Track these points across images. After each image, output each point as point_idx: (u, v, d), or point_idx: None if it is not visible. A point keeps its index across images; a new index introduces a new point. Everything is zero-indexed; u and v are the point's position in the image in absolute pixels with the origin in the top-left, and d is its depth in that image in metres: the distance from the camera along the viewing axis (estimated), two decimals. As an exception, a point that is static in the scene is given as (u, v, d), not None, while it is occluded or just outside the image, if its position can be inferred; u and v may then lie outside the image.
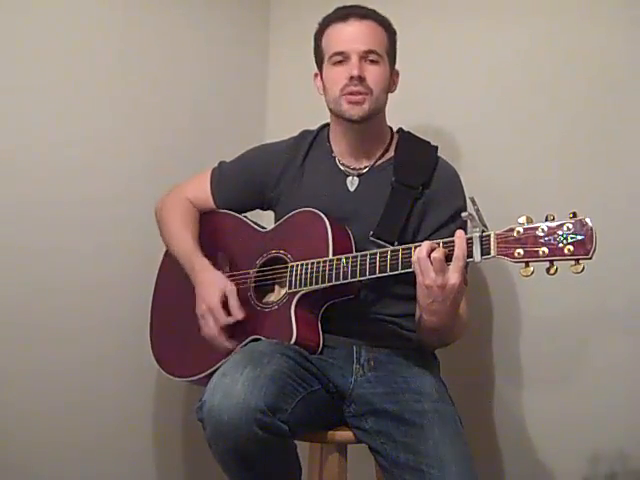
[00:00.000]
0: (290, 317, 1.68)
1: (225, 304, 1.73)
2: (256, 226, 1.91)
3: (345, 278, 1.64)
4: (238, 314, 1.72)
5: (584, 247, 1.38)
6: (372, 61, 1.75)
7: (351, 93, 1.74)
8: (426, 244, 1.52)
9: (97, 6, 2.10)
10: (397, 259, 1.58)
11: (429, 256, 1.50)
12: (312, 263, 1.69)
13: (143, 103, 2.20)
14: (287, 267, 1.74)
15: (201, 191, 1.96)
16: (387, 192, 1.77)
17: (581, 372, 1.93)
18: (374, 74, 1.75)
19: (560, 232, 1.40)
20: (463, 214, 1.49)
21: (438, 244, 1.52)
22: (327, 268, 1.66)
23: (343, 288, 1.68)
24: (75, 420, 2.03)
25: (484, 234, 1.48)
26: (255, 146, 1.99)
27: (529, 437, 2.00)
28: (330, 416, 1.69)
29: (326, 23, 1.80)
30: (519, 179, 2.04)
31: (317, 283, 1.67)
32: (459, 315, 1.63)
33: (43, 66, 1.98)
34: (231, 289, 1.74)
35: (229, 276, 1.81)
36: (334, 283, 1.65)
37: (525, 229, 1.44)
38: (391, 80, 1.81)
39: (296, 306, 1.69)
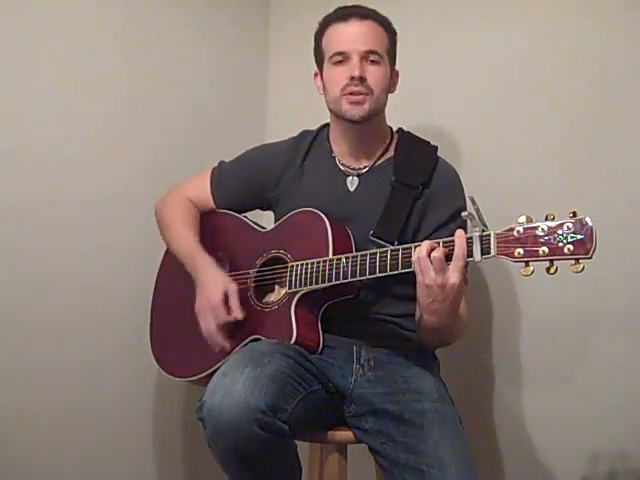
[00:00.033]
0: (290, 317, 1.68)
1: (226, 302, 1.73)
2: (256, 226, 1.91)
3: (345, 278, 1.64)
4: (238, 313, 1.72)
5: (584, 246, 1.38)
6: (373, 61, 1.75)
7: (352, 93, 1.74)
8: (426, 243, 1.52)
9: (97, 6, 2.10)
10: (397, 259, 1.58)
11: (429, 255, 1.50)
12: (312, 263, 1.69)
13: (143, 103, 2.20)
14: (287, 267, 1.74)
15: (201, 191, 1.95)
16: (387, 192, 1.77)
17: (581, 372, 1.93)
18: (375, 74, 1.75)
19: (560, 231, 1.40)
20: (463, 213, 1.49)
21: (438, 243, 1.52)
22: (327, 268, 1.66)
23: (343, 288, 1.68)
24: (75, 420, 2.03)
25: (484, 233, 1.48)
26: (255, 146, 1.99)
27: (529, 437, 2.00)
28: (330, 416, 1.69)
29: (327, 23, 1.80)
30: (519, 179, 2.04)
31: (317, 283, 1.67)
32: (459, 315, 1.63)
33: (43, 66, 1.98)
34: (233, 288, 1.74)
35: (229, 276, 1.80)
36: (334, 283, 1.65)
37: (525, 228, 1.44)
38: (391, 80, 1.81)
39: (296, 306, 1.69)
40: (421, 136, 1.88)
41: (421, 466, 1.53)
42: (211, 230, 1.93)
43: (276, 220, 1.89)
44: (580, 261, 1.39)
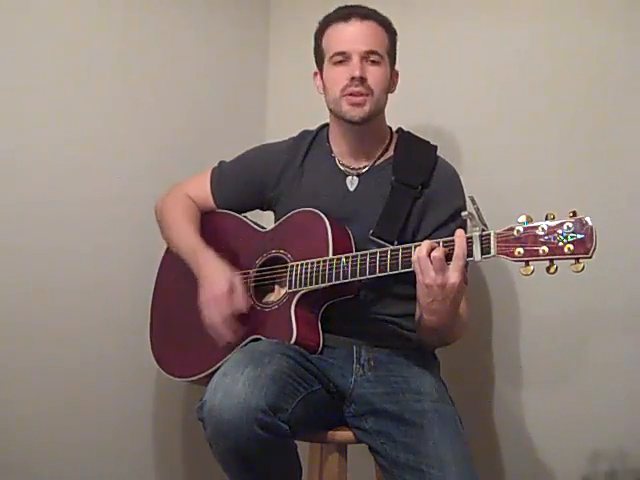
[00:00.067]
0: (290, 317, 1.68)
1: (230, 295, 1.70)
2: (256, 226, 1.91)
3: (345, 278, 1.64)
4: (243, 306, 1.70)
5: (584, 246, 1.38)
6: (373, 62, 1.75)
7: (352, 94, 1.74)
8: (426, 243, 1.52)
9: (97, 6, 2.10)
10: (397, 258, 1.58)
11: (429, 255, 1.50)
12: (312, 263, 1.69)
13: (143, 103, 2.20)
14: (287, 267, 1.74)
15: (201, 190, 1.95)
16: (387, 191, 1.77)
17: (581, 372, 1.94)
18: (375, 75, 1.75)
19: (560, 231, 1.40)
20: (463, 213, 1.49)
21: (438, 243, 1.52)
22: (327, 268, 1.66)
23: (343, 288, 1.68)
24: (75, 420, 2.03)
25: (484, 233, 1.48)
26: (255, 146, 1.99)
27: (529, 437, 2.00)
28: (330, 416, 1.69)
29: (327, 22, 1.80)
30: (519, 179, 2.04)
31: (317, 283, 1.67)
32: (459, 314, 1.63)
33: (43, 66, 1.98)
34: (237, 280, 1.72)
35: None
36: (334, 283, 1.65)
37: (525, 228, 1.44)
38: (391, 80, 1.81)
39: (296, 306, 1.69)
40: (421, 136, 1.88)
41: (421, 466, 1.53)
42: (211, 230, 1.93)
43: (276, 220, 1.89)
44: (580, 261, 1.39)
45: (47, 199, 1.98)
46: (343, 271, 1.64)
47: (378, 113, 1.79)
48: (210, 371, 1.71)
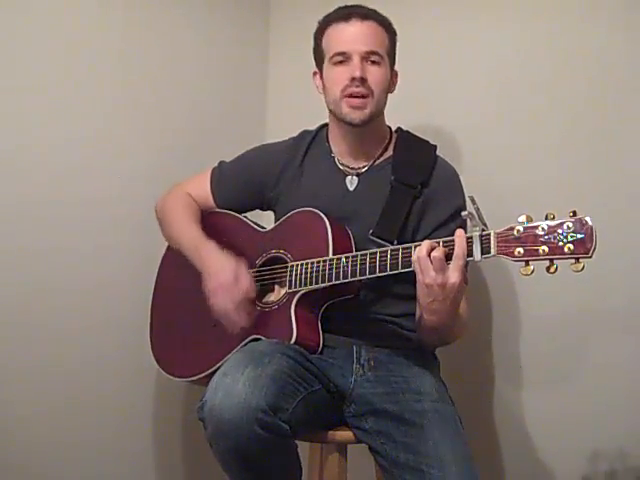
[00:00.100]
0: (290, 317, 1.68)
1: (237, 282, 1.69)
2: (256, 226, 1.91)
3: (345, 277, 1.64)
4: (252, 292, 1.70)
5: (584, 246, 1.38)
6: (373, 62, 1.75)
7: (352, 95, 1.74)
8: (426, 243, 1.52)
9: (97, 6, 2.10)
10: (397, 258, 1.58)
11: (429, 255, 1.50)
12: (312, 263, 1.69)
13: (143, 103, 2.20)
14: (287, 267, 1.74)
15: (201, 190, 1.95)
16: (386, 191, 1.77)
17: (581, 371, 1.94)
18: (375, 75, 1.75)
19: (560, 231, 1.40)
20: (463, 213, 1.49)
21: (438, 243, 1.52)
22: (327, 268, 1.66)
23: (343, 288, 1.68)
24: (75, 420, 2.03)
25: (484, 233, 1.48)
26: (255, 146, 1.99)
27: (529, 437, 2.00)
28: (330, 416, 1.69)
29: (327, 22, 1.80)
30: (519, 179, 2.04)
31: (317, 283, 1.67)
32: (459, 314, 1.63)
33: (43, 66, 1.98)
34: (243, 268, 1.71)
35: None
36: (334, 283, 1.65)
37: (525, 228, 1.44)
38: (391, 81, 1.81)
39: (296, 306, 1.69)
40: (421, 136, 1.88)
41: (421, 466, 1.53)
42: (211, 230, 1.92)
43: (276, 220, 1.89)
44: (580, 260, 1.39)
45: (47, 199, 1.98)
46: (343, 271, 1.64)
47: (378, 114, 1.79)
48: (210, 371, 1.71)
